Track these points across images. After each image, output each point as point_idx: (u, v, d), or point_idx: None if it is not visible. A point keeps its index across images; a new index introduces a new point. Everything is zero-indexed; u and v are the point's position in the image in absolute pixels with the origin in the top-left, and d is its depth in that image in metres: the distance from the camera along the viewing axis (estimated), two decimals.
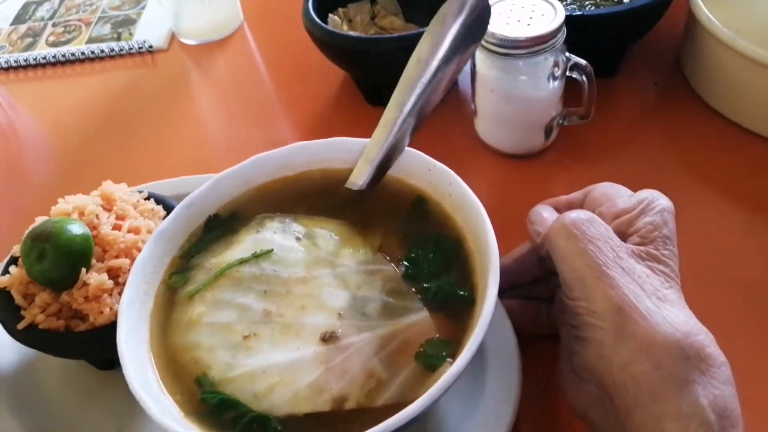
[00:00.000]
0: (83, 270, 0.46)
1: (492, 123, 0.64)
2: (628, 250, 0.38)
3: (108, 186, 0.52)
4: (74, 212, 0.49)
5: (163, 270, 0.44)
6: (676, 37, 0.72)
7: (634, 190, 0.43)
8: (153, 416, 0.35)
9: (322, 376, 0.37)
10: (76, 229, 0.47)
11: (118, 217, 0.50)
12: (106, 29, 0.94)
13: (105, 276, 0.46)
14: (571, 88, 0.60)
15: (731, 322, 0.48)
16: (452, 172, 0.43)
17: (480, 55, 0.59)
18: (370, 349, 0.38)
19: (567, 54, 0.58)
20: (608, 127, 0.66)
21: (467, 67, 0.61)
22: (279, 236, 0.44)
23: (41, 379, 0.52)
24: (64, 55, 0.89)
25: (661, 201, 0.40)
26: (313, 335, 0.39)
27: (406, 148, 0.46)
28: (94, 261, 0.47)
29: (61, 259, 0.46)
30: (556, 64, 0.57)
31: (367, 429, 0.33)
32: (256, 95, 0.80)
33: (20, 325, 0.46)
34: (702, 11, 0.62)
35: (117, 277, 0.47)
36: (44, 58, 0.89)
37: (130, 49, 0.89)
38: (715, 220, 0.57)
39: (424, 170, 0.45)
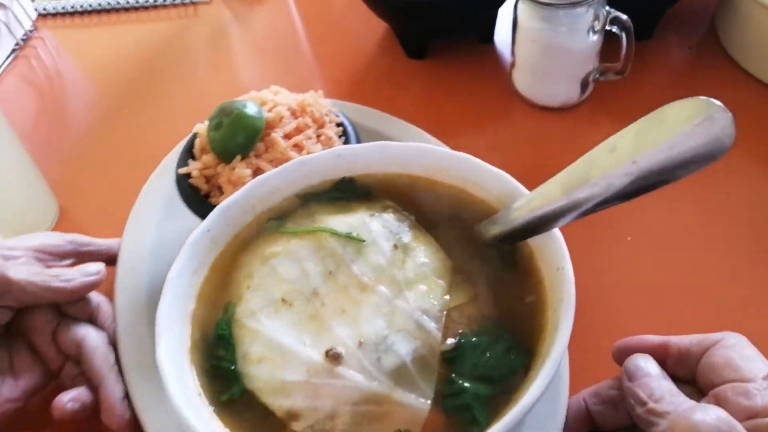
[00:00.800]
0: (239, 156, 0.50)
1: (530, 74, 0.66)
2: None
3: (310, 96, 0.54)
4: (269, 104, 0.52)
5: (278, 197, 0.45)
6: (711, 1, 0.73)
7: None
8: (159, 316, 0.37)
9: (296, 384, 0.35)
10: (255, 120, 0.50)
11: (297, 128, 0.52)
12: None
13: (249, 171, 0.49)
14: (608, 46, 0.62)
15: None
16: (572, 287, 0.35)
17: (522, 6, 0.62)
18: (353, 395, 0.35)
19: (607, 8, 0.60)
20: (642, 88, 0.68)
21: (509, 18, 0.64)
22: (383, 232, 0.41)
23: None
24: (109, 3, 0.93)
25: None
26: (326, 343, 0.37)
27: (554, 230, 0.38)
28: (251, 154, 0.50)
29: (229, 137, 0.50)
30: (596, 17, 0.60)
31: None
32: (296, 49, 0.80)
33: (181, 170, 0.52)
34: None
35: None
36: (90, 5, 0.93)
37: (174, 0, 0.91)
38: (749, 185, 0.57)
39: (552, 265, 0.37)
